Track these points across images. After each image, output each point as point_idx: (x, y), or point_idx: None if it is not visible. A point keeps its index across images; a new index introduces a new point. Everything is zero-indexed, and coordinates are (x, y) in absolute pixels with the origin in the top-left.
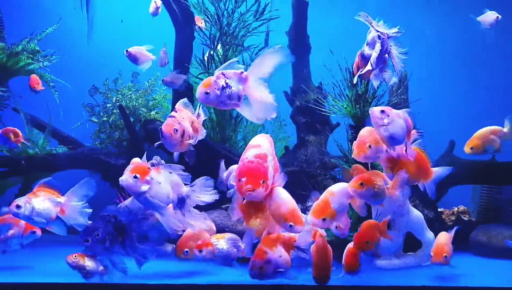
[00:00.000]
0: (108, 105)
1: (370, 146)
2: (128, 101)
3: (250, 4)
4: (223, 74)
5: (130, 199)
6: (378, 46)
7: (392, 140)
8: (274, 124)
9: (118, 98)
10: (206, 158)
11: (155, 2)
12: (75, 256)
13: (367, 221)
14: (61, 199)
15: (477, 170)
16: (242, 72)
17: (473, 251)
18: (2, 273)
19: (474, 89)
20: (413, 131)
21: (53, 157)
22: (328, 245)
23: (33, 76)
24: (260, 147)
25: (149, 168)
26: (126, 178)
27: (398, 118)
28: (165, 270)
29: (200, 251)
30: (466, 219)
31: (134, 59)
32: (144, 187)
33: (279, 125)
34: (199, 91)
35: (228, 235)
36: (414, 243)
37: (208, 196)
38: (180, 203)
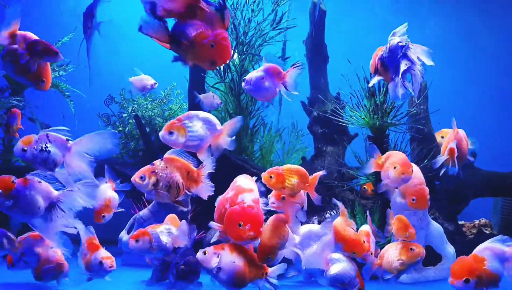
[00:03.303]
0: (124, 115)
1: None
2: (144, 111)
3: (267, 13)
4: (47, 136)
5: (145, 209)
6: (404, 65)
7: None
8: (291, 134)
9: (134, 108)
10: (222, 169)
11: None
12: None
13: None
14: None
15: (499, 182)
16: (68, 140)
17: None
18: None
19: (496, 99)
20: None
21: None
22: (282, 226)
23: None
24: (253, 191)
25: (13, 181)
26: None
27: (256, 73)
28: None
29: (137, 241)
30: (487, 232)
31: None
32: (8, 203)
33: (296, 136)
34: (17, 146)
35: (164, 225)
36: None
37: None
38: (49, 209)
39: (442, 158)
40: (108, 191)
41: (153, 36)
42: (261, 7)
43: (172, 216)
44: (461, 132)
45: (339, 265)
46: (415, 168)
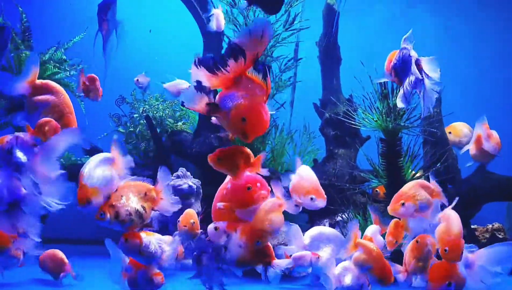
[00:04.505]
0: (135, 115)
1: (403, 204)
2: (155, 112)
3: (280, 14)
4: (16, 138)
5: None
6: (409, 83)
7: None
8: (303, 136)
9: (145, 109)
10: None
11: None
12: None
13: None
14: None
15: None
16: (35, 144)
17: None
18: None
19: (509, 101)
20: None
21: (78, 167)
22: (276, 211)
23: None
24: None
25: None
26: None
27: None
28: None
29: (126, 240)
30: (501, 236)
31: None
32: None
33: (308, 138)
34: None
35: (157, 235)
36: None
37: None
38: (13, 206)
39: (467, 146)
40: None
41: (194, 109)
42: None
43: (187, 212)
44: (494, 132)
45: (350, 275)
46: (456, 217)
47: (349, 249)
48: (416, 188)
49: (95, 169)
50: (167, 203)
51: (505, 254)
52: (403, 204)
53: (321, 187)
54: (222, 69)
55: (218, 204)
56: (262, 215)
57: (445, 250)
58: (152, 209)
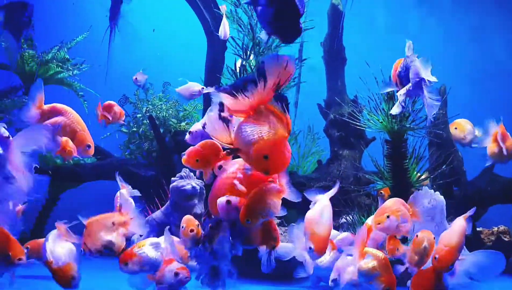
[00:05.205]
0: (138, 115)
1: (388, 217)
2: (158, 112)
3: None
4: None
5: (158, 211)
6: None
7: None
8: (307, 137)
9: (148, 108)
10: None
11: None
12: None
13: None
14: None
15: None
16: (8, 137)
17: None
18: None
19: None
20: None
21: (81, 167)
22: (274, 194)
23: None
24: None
25: None
26: None
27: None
28: None
29: (126, 264)
30: (506, 239)
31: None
32: None
33: (312, 139)
34: None
35: (149, 240)
36: None
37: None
38: None
39: (485, 142)
40: (128, 196)
41: (214, 137)
42: None
43: (188, 217)
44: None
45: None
46: (460, 230)
47: (358, 256)
48: (398, 204)
49: (56, 250)
50: (137, 224)
51: (486, 263)
52: (388, 216)
53: (327, 238)
54: (242, 93)
55: (229, 197)
56: (259, 196)
57: (435, 257)
58: (126, 236)
